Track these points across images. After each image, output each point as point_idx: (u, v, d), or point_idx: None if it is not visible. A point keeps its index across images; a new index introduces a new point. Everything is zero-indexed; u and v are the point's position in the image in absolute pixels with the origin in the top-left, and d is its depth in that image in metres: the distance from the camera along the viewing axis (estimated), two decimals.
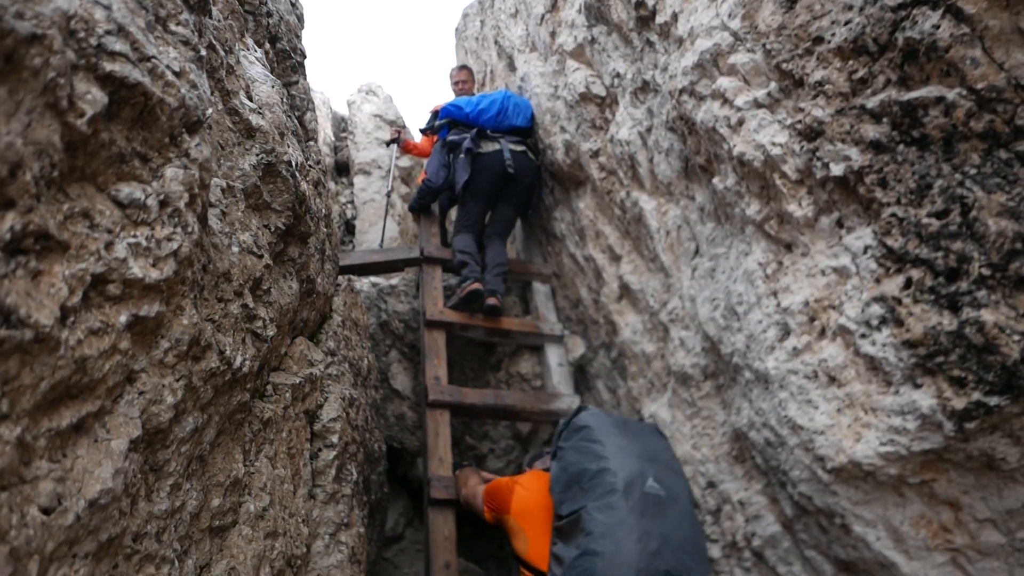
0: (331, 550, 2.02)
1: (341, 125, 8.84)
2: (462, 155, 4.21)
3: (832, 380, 2.04)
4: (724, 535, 2.67)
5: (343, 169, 8.00)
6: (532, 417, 3.64)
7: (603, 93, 3.54)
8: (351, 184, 7.91)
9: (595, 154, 3.64)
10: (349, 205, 7.58)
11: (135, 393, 1.01)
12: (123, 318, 0.95)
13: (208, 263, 1.24)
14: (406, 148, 5.34)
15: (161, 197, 1.03)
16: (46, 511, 0.81)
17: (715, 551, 2.74)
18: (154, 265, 1.00)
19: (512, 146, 4.26)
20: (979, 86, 1.69)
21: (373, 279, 4.68)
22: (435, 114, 5.04)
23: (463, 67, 5.23)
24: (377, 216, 7.97)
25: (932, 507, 1.88)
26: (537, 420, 3.71)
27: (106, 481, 0.90)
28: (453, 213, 5.34)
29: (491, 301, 3.85)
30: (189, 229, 1.09)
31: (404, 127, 5.15)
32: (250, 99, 1.74)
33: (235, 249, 1.44)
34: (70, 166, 0.88)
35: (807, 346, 2.13)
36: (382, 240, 5.08)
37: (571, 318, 4.30)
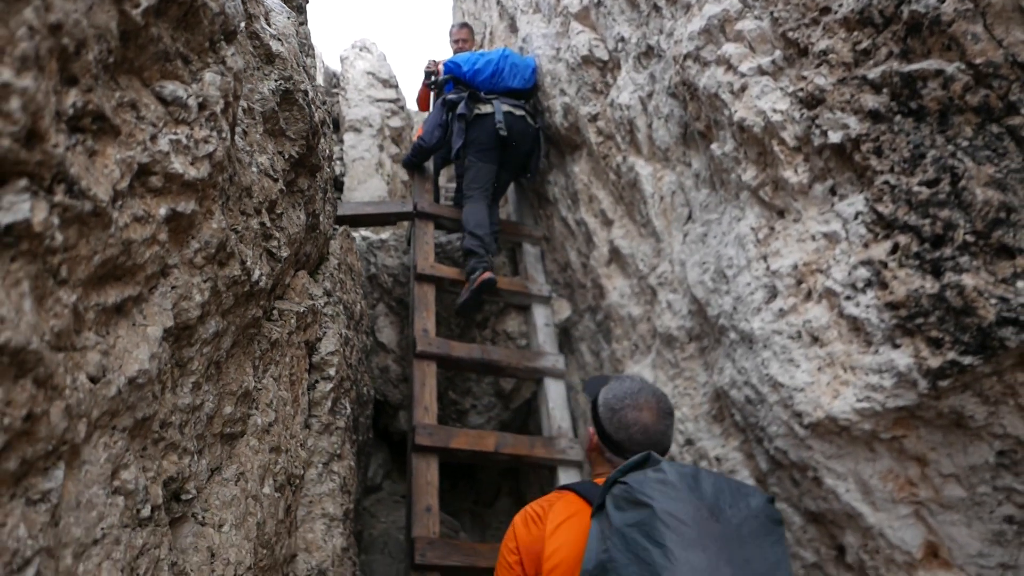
0: (324, 479, 2.08)
1: (332, 81, 8.75)
2: (456, 120, 4.13)
3: (815, 340, 2.12)
4: None
5: (333, 126, 7.94)
6: (517, 373, 3.72)
7: (606, 57, 3.57)
8: (340, 141, 7.86)
9: (594, 118, 3.67)
10: (338, 162, 7.54)
11: (168, 287, 1.05)
12: (163, 210, 0.99)
13: (234, 175, 1.27)
14: (422, 96, 5.23)
15: (200, 100, 1.06)
16: (93, 379, 0.85)
17: None
18: (192, 164, 1.04)
19: (508, 108, 4.14)
20: (978, 61, 1.76)
21: (364, 233, 4.70)
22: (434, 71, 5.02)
23: (464, 25, 5.20)
24: (367, 174, 7.93)
25: (900, 462, 1.99)
26: (522, 376, 3.78)
27: (143, 362, 0.95)
28: (444, 177, 5.30)
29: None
30: (223, 135, 1.13)
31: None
32: (269, 26, 1.75)
33: (254, 169, 1.47)
34: (122, 56, 0.91)
35: (793, 308, 2.22)
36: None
37: (558, 282, 4.36)
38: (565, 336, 4.24)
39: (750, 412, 2.41)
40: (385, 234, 4.76)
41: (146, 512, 0.97)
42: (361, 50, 9.18)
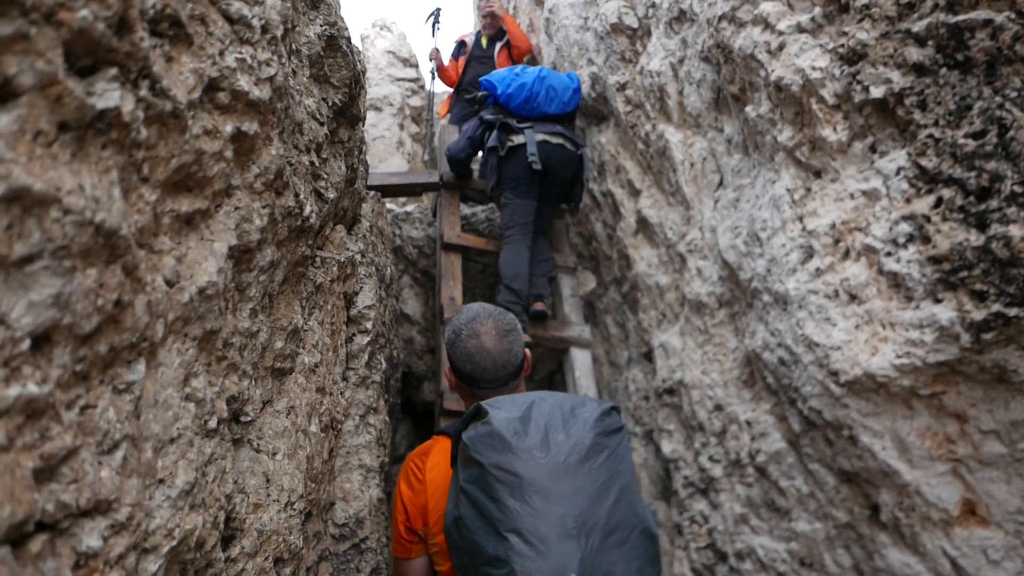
0: (360, 431, 2.10)
1: None
2: (488, 153, 3.86)
3: (853, 298, 2.11)
4: (728, 454, 2.78)
5: None
6: (543, 342, 3.73)
7: (635, 24, 3.54)
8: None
9: (622, 87, 3.65)
10: None
11: (232, 207, 1.07)
12: (229, 127, 1.00)
13: (288, 107, 1.28)
14: (440, 70, 5.24)
15: (263, 22, 1.07)
16: (169, 283, 0.87)
17: (717, 471, 2.86)
18: (256, 84, 1.05)
19: (543, 136, 3.76)
20: None
21: (389, 205, 4.72)
22: (461, 44, 5.02)
23: None
24: (388, 152, 7.93)
25: (939, 419, 1.98)
26: (548, 345, 3.79)
27: (212, 275, 0.96)
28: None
29: (538, 306, 3.64)
30: (282, 61, 1.13)
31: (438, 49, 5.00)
32: None
33: (303, 109, 1.48)
34: None
35: (830, 267, 2.20)
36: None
37: (583, 255, 4.36)
38: (589, 309, 4.24)
39: (783, 374, 2.41)
40: (410, 206, 4.77)
41: (212, 424, 0.99)
42: (382, 29, 9.17)
